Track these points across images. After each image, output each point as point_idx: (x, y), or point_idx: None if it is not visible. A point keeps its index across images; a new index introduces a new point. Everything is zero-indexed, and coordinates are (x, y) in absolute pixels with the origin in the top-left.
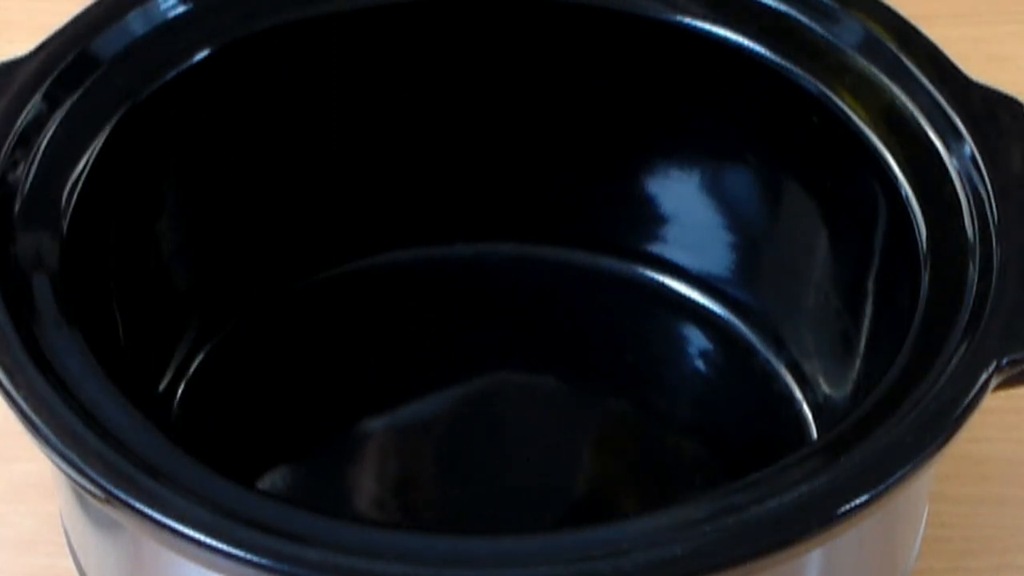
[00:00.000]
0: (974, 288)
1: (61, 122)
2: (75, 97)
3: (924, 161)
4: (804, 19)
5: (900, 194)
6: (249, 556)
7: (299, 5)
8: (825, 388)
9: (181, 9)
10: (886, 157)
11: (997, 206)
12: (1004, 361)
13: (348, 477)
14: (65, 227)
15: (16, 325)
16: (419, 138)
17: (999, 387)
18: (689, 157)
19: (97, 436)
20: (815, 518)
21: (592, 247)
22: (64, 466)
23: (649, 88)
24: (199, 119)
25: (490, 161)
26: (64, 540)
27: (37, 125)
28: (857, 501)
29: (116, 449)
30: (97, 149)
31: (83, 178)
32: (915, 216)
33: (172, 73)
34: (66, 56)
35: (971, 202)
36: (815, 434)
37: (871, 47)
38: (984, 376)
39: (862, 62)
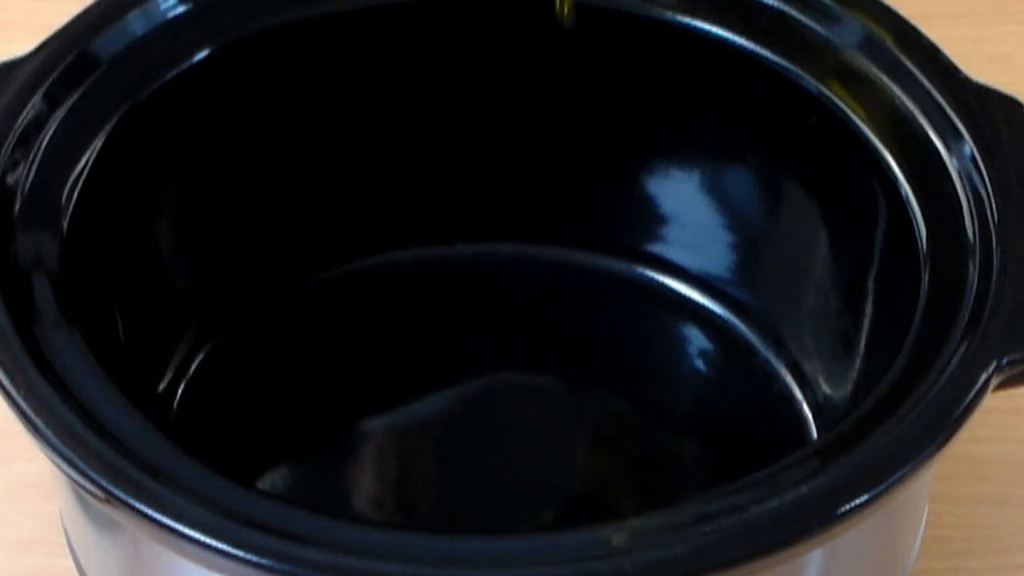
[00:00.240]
0: (974, 288)
1: (61, 122)
2: (75, 97)
3: (924, 161)
4: (804, 19)
5: (900, 194)
6: (249, 556)
7: (299, 5)
8: (825, 388)
9: (181, 9)
10: (886, 157)
11: (997, 206)
12: (1004, 361)
13: (348, 477)
14: (65, 227)
15: (16, 325)
16: (419, 138)
17: (999, 387)
18: (689, 157)
19: (97, 436)
20: (815, 518)
21: (592, 247)
22: (64, 466)
23: (649, 88)
24: (199, 119)
25: (490, 161)
26: (64, 540)
27: (37, 125)
28: (857, 501)
29: (116, 449)
30: (97, 149)
31: (83, 178)
32: (915, 216)
33: (172, 73)
34: (66, 56)
35: (971, 202)
36: (815, 434)
37: (871, 47)
38: (984, 376)
39: (862, 62)
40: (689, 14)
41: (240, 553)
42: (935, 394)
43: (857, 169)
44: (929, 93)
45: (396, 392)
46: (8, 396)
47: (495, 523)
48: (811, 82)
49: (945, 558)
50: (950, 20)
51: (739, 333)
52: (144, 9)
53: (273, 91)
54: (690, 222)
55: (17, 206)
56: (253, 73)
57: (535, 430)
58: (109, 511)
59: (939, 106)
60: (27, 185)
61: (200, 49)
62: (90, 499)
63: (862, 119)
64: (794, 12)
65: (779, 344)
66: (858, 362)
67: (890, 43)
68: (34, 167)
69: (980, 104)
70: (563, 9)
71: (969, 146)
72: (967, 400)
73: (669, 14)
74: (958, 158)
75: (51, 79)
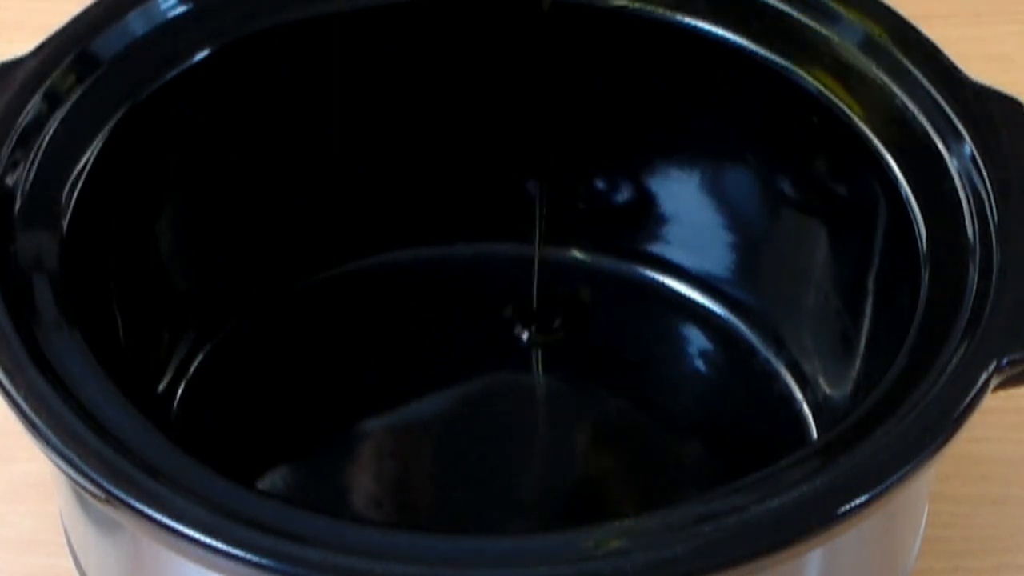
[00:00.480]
0: (974, 288)
1: (61, 122)
2: (75, 97)
3: (924, 161)
4: (804, 19)
5: (900, 194)
6: (249, 556)
7: (299, 5)
8: (825, 388)
9: (181, 9)
10: (886, 157)
11: (997, 206)
12: (1004, 361)
13: (348, 477)
14: (65, 227)
15: (16, 325)
16: (419, 138)
17: (999, 387)
18: (689, 157)
19: (97, 436)
20: (815, 518)
21: (592, 247)
22: (64, 466)
23: (649, 88)
24: (199, 119)
25: (490, 161)
26: (64, 540)
27: (37, 125)
28: (857, 501)
29: (116, 449)
30: (97, 149)
31: (83, 178)
32: (915, 216)
33: (172, 73)
34: (66, 56)
35: (971, 202)
36: (815, 434)
37: (871, 47)
38: (984, 376)
39: (862, 62)
40: (689, 14)
41: (240, 553)
42: (935, 394)
43: (857, 169)
44: (929, 93)
45: (396, 392)
46: (8, 396)
47: (495, 523)
48: (811, 82)
49: (945, 558)
50: (950, 20)
51: (739, 333)
52: (144, 9)
53: (273, 91)
54: (690, 222)
55: (17, 206)
56: (253, 73)
57: (535, 430)
58: (109, 511)
59: (939, 106)
60: (27, 185)
61: (200, 49)
62: (90, 499)
63: (862, 119)
64: (794, 12)
65: (779, 344)
66: (858, 362)
67: (890, 43)
68: (34, 167)
69: (980, 104)
70: None
71: (969, 146)
72: (967, 400)
73: (669, 14)
74: (958, 158)
75: (51, 79)
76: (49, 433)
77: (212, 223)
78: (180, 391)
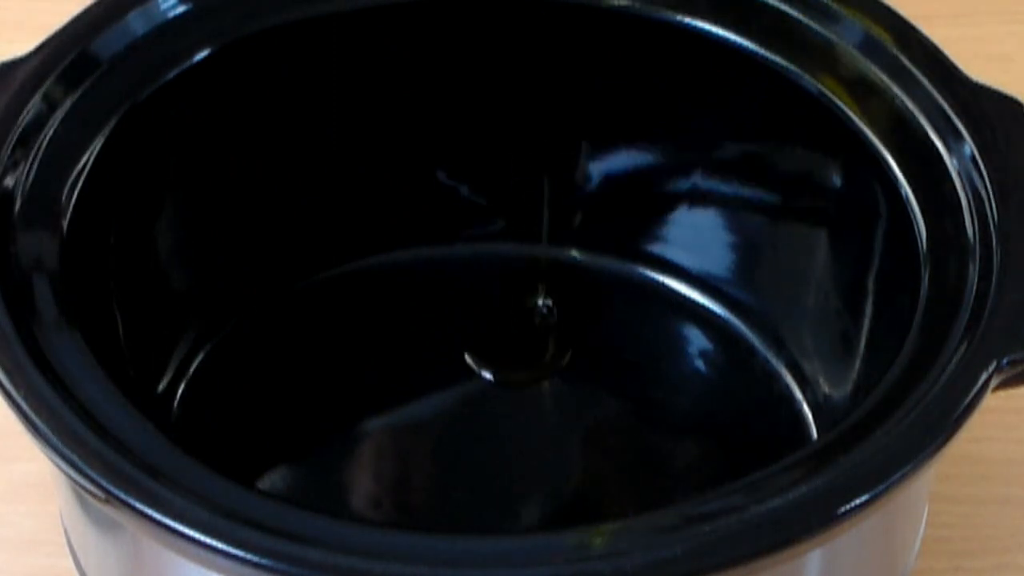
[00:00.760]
0: (974, 288)
1: (61, 122)
2: (75, 97)
3: (924, 161)
4: (804, 19)
5: (900, 194)
6: (249, 556)
7: (299, 5)
8: (825, 388)
9: (181, 9)
10: (886, 157)
11: (997, 206)
12: (1004, 361)
13: (348, 477)
14: (65, 227)
15: (16, 325)
16: (419, 138)
17: (999, 387)
18: (689, 157)
19: (97, 436)
20: (815, 518)
21: (592, 247)
22: (64, 466)
23: (649, 88)
24: (199, 119)
25: (489, 161)
26: (64, 540)
27: (37, 125)
28: (857, 501)
29: (116, 449)
30: (97, 149)
31: (83, 178)
32: (915, 216)
33: (172, 73)
34: (66, 56)
35: (971, 202)
36: (815, 434)
37: (871, 47)
38: (984, 376)
39: (862, 62)
40: (689, 14)
41: (240, 553)
42: (935, 394)
43: (857, 169)
44: (929, 93)
45: (396, 392)
46: (8, 396)
47: (495, 523)
48: (811, 82)
49: (945, 558)
50: (950, 20)
51: (739, 333)
52: (144, 9)
53: (273, 91)
54: (690, 222)
55: (17, 206)
56: (253, 73)
57: (535, 430)
58: (109, 511)
59: (939, 106)
60: (27, 185)
61: (200, 49)
62: (90, 499)
63: (862, 119)
64: (794, 12)
65: (779, 344)
66: (858, 362)
67: (890, 43)
68: (34, 167)
69: (980, 104)
70: None
71: (969, 146)
72: (967, 400)
73: (669, 14)
74: (958, 158)
75: (51, 79)
76: (49, 433)
77: (212, 223)
78: (180, 391)
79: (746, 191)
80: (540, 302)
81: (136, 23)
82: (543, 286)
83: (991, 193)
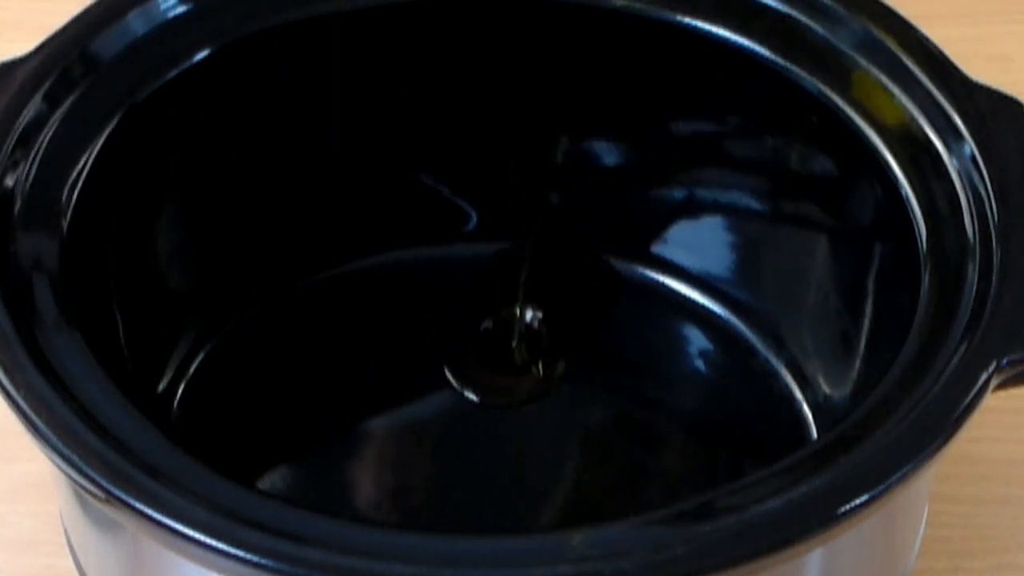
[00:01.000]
0: (974, 288)
1: (61, 122)
2: (75, 97)
3: (924, 161)
4: (804, 19)
5: (900, 194)
6: (249, 556)
7: (299, 5)
8: (825, 388)
9: (181, 9)
10: (886, 157)
11: (997, 206)
12: (1004, 361)
13: (348, 477)
14: (65, 227)
15: (16, 325)
16: (419, 138)
17: (999, 387)
18: (689, 157)
19: (97, 436)
20: (815, 518)
21: (592, 247)
22: (64, 466)
23: (649, 88)
24: (199, 119)
25: (490, 161)
26: (64, 540)
27: (37, 125)
28: (857, 501)
29: (116, 449)
30: (97, 149)
31: (83, 178)
32: (915, 216)
33: (172, 73)
34: (66, 56)
35: (971, 202)
36: (815, 434)
37: (871, 47)
38: (984, 376)
39: (862, 62)
40: (689, 14)
41: (240, 553)
42: (935, 394)
43: (857, 169)
44: (929, 93)
45: (396, 392)
46: (8, 396)
47: (494, 523)
48: (811, 82)
49: (945, 558)
50: (950, 20)
51: (739, 333)
52: (144, 9)
53: (273, 91)
54: (690, 222)
55: (17, 206)
56: (253, 73)
57: (535, 430)
58: (109, 511)
59: (939, 106)
60: (27, 185)
61: (200, 49)
62: (90, 499)
63: (862, 119)
64: (794, 12)
65: (779, 344)
66: (858, 362)
67: (890, 43)
68: (34, 167)
69: (980, 104)
70: None
71: (969, 146)
72: (967, 400)
73: (669, 14)
74: (958, 158)
75: (51, 79)
76: (49, 433)
77: (212, 223)
78: (180, 391)
79: (746, 191)
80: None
81: (136, 23)
82: (544, 285)
83: (991, 193)
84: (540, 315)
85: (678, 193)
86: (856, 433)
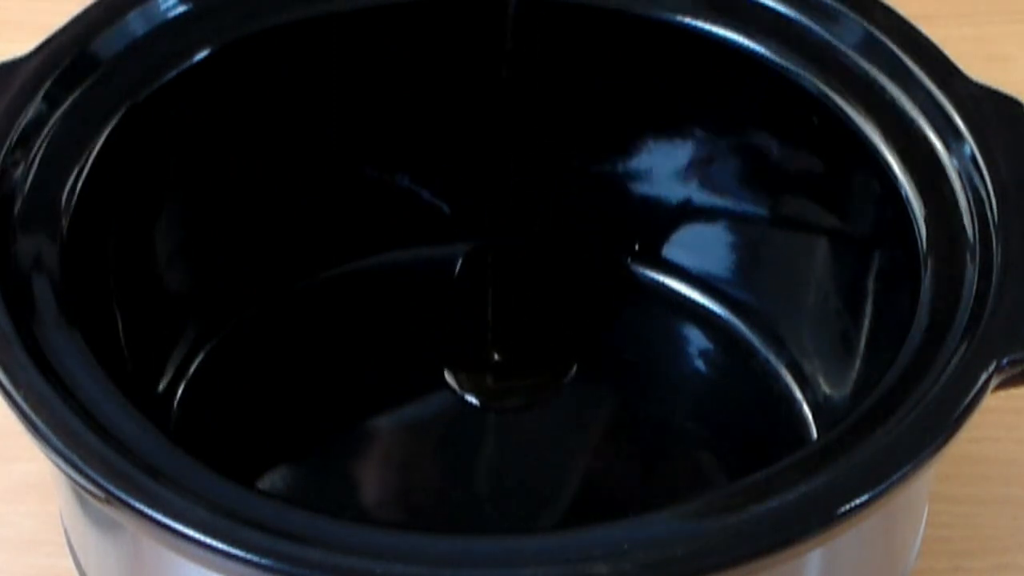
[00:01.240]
0: (974, 288)
1: (61, 122)
2: (75, 97)
3: (924, 161)
4: (804, 19)
5: (900, 194)
6: (249, 556)
7: (299, 5)
8: (825, 388)
9: (181, 9)
10: (886, 157)
11: (997, 206)
12: (1004, 361)
13: (348, 477)
14: (65, 227)
15: (16, 325)
16: (419, 138)
17: (999, 387)
18: (689, 157)
19: (97, 436)
20: (815, 518)
21: (592, 247)
22: (64, 466)
23: (649, 88)
24: (199, 119)
25: (490, 161)
26: (64, 540)
27: (37, 125)
28: (857, 501)
29: (116, 449)
30: (97, 149)
31: (83, 178)
32: (915, 216)
33: (172, 73)
34: (66, 56)
35: (971, 202)
36: (815, 434)
37: (871, 47)
38: (984, 376)
39: (862, 62)
40: (689, 14)
41: (240, 553)
42: (935, 394)
43: (857, 169)
44: (929, 93)
45: (396, 392)
46: (8, 396)
47: (495, 523)
48: (811, 82)
49: (945, 558)
50: (950, 20)
51: (739, 333)
52: (144, 9)
53: (273, 91)
54: (690, 222)
55: (17, 206)
56: (253, 73)
57: (535, 430)
58: (109, 511)
59: (939, 106)
60: (27, 185)
61: (200, 49)
62: (90, 499)
63: (862, 119)
64: (794, 12)
65: (779, 344)
66: (858, 362)
67: (890, 43)
68: (34, 167)
69: (980, 104)
70: None
71: (969, 146)
72: (967, 400)
73: (669, 14)
74: (958, 158)
75: (51, 79)
76: (49, 433)
77: (212, 223)
78: (180, 391)
79: (746, 191)
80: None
81: (136, 23)
82: (544, 286)
83: (991, 193)
84: (540, 316)
85: (678, 193)
86: (856, 433)
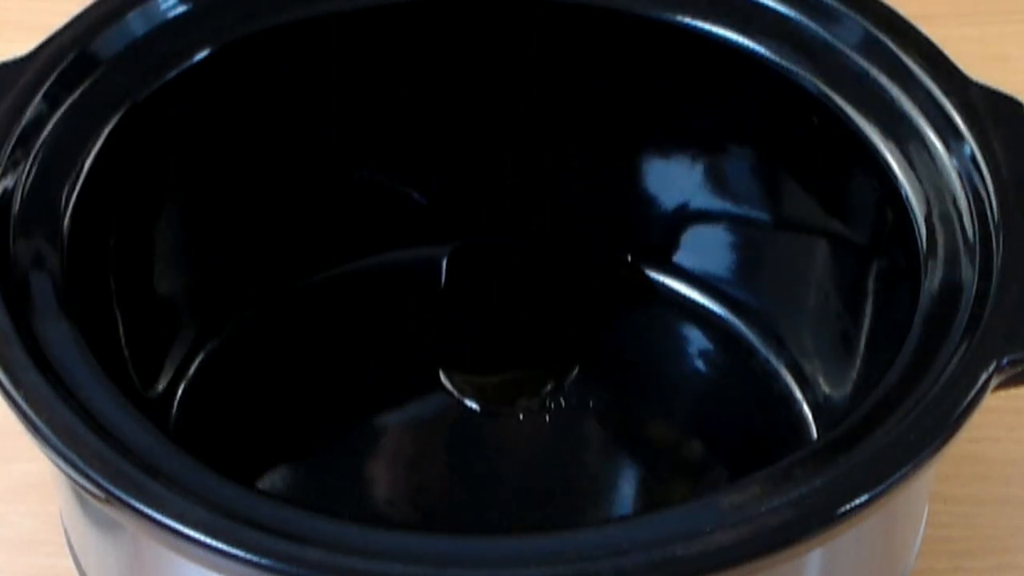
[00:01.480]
0: (974, 288)
1: (61, 122)
2: (75, 97)
3: (924, 161)
4: (804, 19)
5: (900, 194)
6: (249, 556)
7: (299, 5)
8: (825, 388)
9: (181, 9)
10: (886, 157)
11: (997, 206)
12: (1004, 361)
13: (348, 477)
14: (65, 227)
15: (16, 325)
16: (419, 138)
17: (999, 387)
18: (689, 157)
19: (97, 436)
20: (815, 518)
21: (592, 247)
22: (64, 466)
23: (649, 88)
24: (199, 119)
25: (490, 161)
26: (64, 540)
27: (37, 125)
28: (857, 501)
29: (116, 449)
30: (97, 149)
31: (83, 178)
32: (915, 216)
33: (172, 73)
34: (66, 56)
35: (971, 202)
36: (815, 434)
37: (871, 47)
38: (984, 376)
39: (862, 62)
40: (689, 14)
41: (240, 553)
42: (935, 394)
43: (857, 169)
44: (929, 93)
45: (397, 392)
46: (8, 396)
47: (496, 523)
48: (811, 82)
49: (945, 558)
50: (950, 20)
51: (739, 333)
52: (144, 9)
53: (273, 91)
54: (690, 222)
55: (17, 207)
56: (253, 73)
57: (535, 430)
58: (109, 511)
59: (939, 106)
60: (27, 186)
61: (200, 49)
62: (90, 499)
63: (862, 119)
64: (794, 12)
65: (779, 344)
66: (858, 362)
67: (890, 43)
68: (34, 167)
69: (980, 104)
70: None
71: (969, 146)
72: (967, 400)
73: (669, 14)
74: (958, 158)
75: (51, 79)
76: (49, 433)
77: (212, 223)
78: (180, 391)
79: (746, 191)
80: (541, 301)
81: (136, 23)
82: (543, 286)
83: (991, 193)
84: (539, 316)
85: (678, 193)
86: (856, 433)
